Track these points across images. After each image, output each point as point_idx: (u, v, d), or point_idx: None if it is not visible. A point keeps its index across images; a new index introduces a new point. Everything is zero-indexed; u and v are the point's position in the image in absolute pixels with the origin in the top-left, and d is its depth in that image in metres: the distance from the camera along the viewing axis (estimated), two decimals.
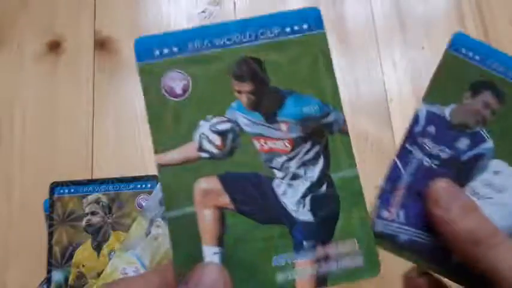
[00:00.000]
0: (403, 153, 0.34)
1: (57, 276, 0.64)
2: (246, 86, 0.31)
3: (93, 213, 0.68)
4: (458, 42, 0.34)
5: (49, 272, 0.65)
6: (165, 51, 0.30)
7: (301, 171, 0.31)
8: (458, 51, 0.34)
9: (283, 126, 0.31)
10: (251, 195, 0.31)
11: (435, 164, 0.34)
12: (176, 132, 0.30)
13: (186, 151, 0.30)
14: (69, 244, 0.66)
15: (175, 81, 0.30)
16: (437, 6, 0.90)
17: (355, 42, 0.85)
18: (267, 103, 0.31)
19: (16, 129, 0.81)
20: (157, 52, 0.30)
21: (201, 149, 0.30)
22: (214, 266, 0.29)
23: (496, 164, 0.34)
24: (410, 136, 0.34)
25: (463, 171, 0.34)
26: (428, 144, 0.34)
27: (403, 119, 0.83)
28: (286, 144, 0.31)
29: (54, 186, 0.71)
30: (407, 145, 0.34)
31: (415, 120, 0.34)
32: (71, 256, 0.66)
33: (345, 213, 0.31)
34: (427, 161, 0.34)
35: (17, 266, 0.69)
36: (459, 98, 0.34)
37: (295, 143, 0.31)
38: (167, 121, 0.30)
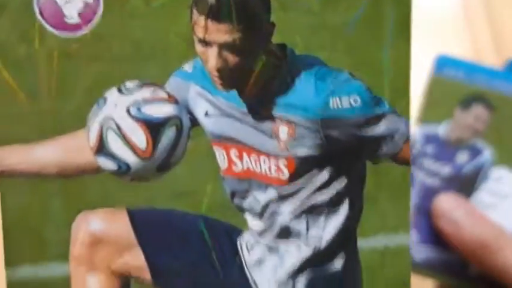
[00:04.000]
0: None
1: None
2: (223, 31, 0.16)
3: None
4: (441, 65, 0.35)
5: None
6: None
7: (300, 225, 0.18)
8: (443, 72, 0.35)
9: (283, 130, 0.17)
10: (187, 259, 0.17)
11: (438, 182, 0.35)
12: (51, 103, 0.16)
13: (68, 149, 0.17)
14: None
15: None
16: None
17: None
18: (260, 77, 0.17)
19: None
20: None
21: (101, 150, 0.16)
22: None
23: (496, 171, 0.35)
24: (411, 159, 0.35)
25: (465, 184, 0.35)
26: (428, 163, 0.35)
27: None
28: (282, 167, 0.17)
29: None
30: None
31: (413, 143, 0.35)
32: None
33: None
34: (429, 180, 0.35)
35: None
36: (451, 115, 0.35)
37: (300, 167, 0.18)
38: (36, 76, 0.16)
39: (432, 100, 0.35)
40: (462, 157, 0.35)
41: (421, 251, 0.35)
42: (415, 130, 0.35)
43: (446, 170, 0.35)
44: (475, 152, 0.35)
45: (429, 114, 0.35)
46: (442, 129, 0.35)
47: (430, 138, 0.35)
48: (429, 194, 0.35)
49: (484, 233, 0.33)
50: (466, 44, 0.80)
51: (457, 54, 0.90)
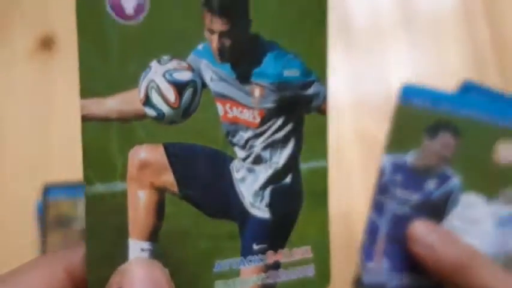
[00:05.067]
0: (376, 206, 0.36)
1: None
2: (221, 24, 0.24)
3: None
4: (407, 94, 0.34)
5: None
6: None
7: (266, 154, 0.25)
8: (408, 101, 0.34)
9: (257, 91, 0.25)
10: (202, 177, 0.25)
11: (408, 209, 0.35)
12: (117, 70, 0.22)
13: (126, 102, 0.23)
14: (63, 249, 0.66)
15: None
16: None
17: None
18: (243, 54, 0.24)
19: (8, 129, 0.80)
20: None
21: (147, 102, 0.23)
22: (145, 265, 0.23)
23: (466, 197, 0.35)
24: (380, 188, 0.36)
25: (435, 211, 0.35)
26: (397, 192, 0.35)
27: None
28: (256, 115, 0.25)
29: (47, 189, 0.68)
30: (378, 197, 0.36)
31: (382, 172, 0.35)
32: None
33: (306, 214, 0.27)
34: (399, 208, 0.35)
35: (5, 271, 0.71)
36: (418, 144, 0.35)
37: (266, 116, 0.25)
38: (107, 51, 0.22)
39: (399, 129, 0.35)
40: (431, 184, 0.35)
41: (393, 279, 0.35)
42: (384, 160, 0.35)
43: (415, 197, 0.35)
44: (444, 179, 0.35)
45: (397, 143, 0.35)
46: (410, 158, 0.35)
47: (398, 167, 0.35)
48: (400, 222, 0.35)
49: (459, 254, 0.33)
50: (466, 44, 0.81)
51: (457, 54, 0.88)
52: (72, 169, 0.76)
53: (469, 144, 0.35)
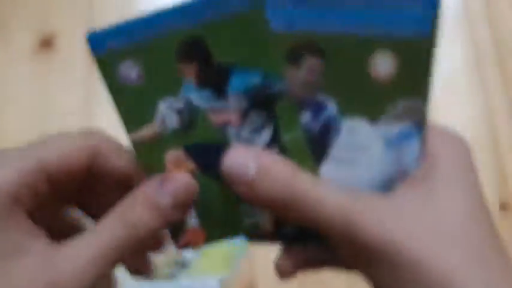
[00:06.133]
0: None
1: None
2: (191, 67, 0.32)
3: None
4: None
5: None
6: (116, 42, 0.32)
7: (252, 137, 0.33)
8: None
9: (232, 99, 0.32)
10: (212, 160, 0.33)
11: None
12: (140, 113, 0.33)
13: (152, 129, 0.33)
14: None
15: (129, 69, 0.32)
16: None
17: None
18: (214, 80, 0.32)
19: (7, 129, 0.83)
20: (109, 44, 0.32)
21: (163, 126, 0.33)
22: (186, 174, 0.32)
23: (347, 123, 0.31)
24: None
25: (317, 144, 0.32)
26: None
27: None
28: (236, 115, 0.32)
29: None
30: None
31: None
32: None
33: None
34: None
35: None
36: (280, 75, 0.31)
37: (245, 113, 0.32)
38: (130, 105, 0.33)
39: None
40: (306, 117, 0.31)
41: None
42: None
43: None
44: (319, 108, 0.31)
45: None
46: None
47: None
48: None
49: (279, 191, 0.31)
50: (466, 44, 0.82)
51: (457, 54, 0.84)
52: None
53: (338, 63, 0.30)
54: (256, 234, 0.35)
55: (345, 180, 0.32)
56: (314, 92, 0.31)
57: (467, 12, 0.83)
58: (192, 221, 0.35)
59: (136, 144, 0.34)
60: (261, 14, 0.30)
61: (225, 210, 0.35)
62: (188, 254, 0.60)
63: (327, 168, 0.32)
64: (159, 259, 0.61)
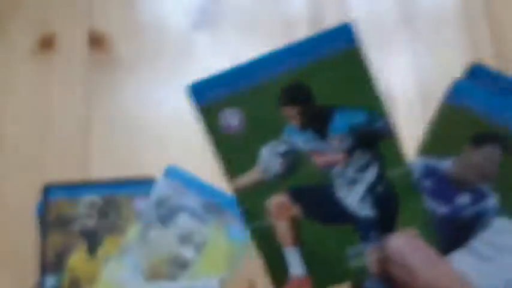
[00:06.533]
0: None
1: (50, 281, 0.62)
2: (294, 110, 0.33)
3: (88, 217, 0.65)
4: (459, 92, 0.31)
5: (42, 277, 0.62)
6: (218, 92, 0.33)
7: (358, 176, 0.33)
8: (458, 101, 0.31)
9: (335, 140, 0.32)
10: (317, 203, 0.33)
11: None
12: (243, 160, 0.33)
13: (256, 174, 0.33)
14: (63, 248, 0.64)
15: (231, 117, 0.33)
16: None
17: None
18: (316, 121, 0.32)
19: (8, 129, 0.79)
20: (210, 94, 0.33)
21: (267, 171, 0.33)
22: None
23: (499, 222, 0.31)
24: None
25: (462, 229, 0.31)
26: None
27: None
28: (340, 155, 0.32)
29: (48, 188, 0.68)
30: None
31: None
32: (65, 261, 0.63)
33: (404, 206, 0.33)
34: None
35: (5, 272, 0.67)
36: (458, 151, 0.31)
37: (349, 153, 0.32)
38: (233, 152, 0.33)
39: (439, 130, 0.32)
40: (464, 199, 0.31)
41: None
42: (416, 161, 0.32)
43: (443, 210, 0.32)
44: (479, 196, 0.31)
45: (434, 146, 0.32)
46: (445, 165, 0.31)
47: (430, 172, 0.32)
48: None
49: (442, 281, 0.30)
50: (466, 44, 0.81)
51: (457, 54, 0.88)
52: (72, 169, 0.74)
53: None
54: (362, 279, 0.34)
55: (478, 275, 0.31)
56: (482, 179, 0.31)
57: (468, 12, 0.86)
58: (296, 268, 0.34)
59: (239, 191, 0.33)
60: (359, 51, 0.32)
61: (331, 254, 0.33)
62: (188, 253, 0.59)
63: (462, 256, 0.32)
64: (159, 259, 0.59)
